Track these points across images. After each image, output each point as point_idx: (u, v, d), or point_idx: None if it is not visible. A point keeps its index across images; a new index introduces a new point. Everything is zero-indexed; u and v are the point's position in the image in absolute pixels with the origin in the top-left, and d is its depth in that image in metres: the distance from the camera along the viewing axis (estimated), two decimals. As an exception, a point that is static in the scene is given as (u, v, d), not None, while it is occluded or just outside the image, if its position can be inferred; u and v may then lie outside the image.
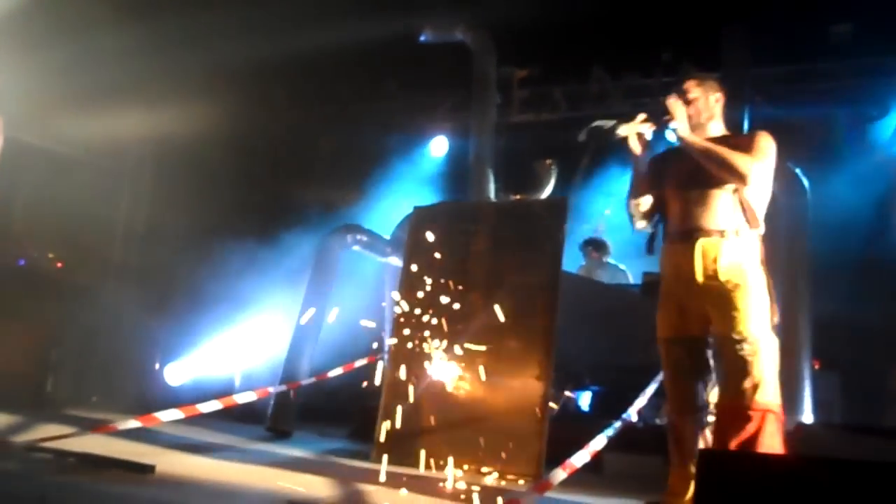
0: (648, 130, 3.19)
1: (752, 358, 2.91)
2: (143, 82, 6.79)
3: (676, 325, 3.13)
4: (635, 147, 3.20)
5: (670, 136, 3.12)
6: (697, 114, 3.18)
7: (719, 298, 3.01)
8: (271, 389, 5.13)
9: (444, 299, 4.52)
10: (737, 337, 2.93)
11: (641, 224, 3.33)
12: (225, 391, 5.60)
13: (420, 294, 4.62)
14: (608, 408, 4.82)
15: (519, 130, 7.57)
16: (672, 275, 3.16)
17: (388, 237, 6.32)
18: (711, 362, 3.11)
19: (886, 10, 5.99)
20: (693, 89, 3.21)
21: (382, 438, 4.41)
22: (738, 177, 3.00)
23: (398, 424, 4.38)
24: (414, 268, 4.77)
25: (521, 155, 7.20)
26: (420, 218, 5.07)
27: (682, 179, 3.16)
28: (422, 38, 6.70)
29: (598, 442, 3.52)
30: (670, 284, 3.17)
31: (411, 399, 4.43)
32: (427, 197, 7.54)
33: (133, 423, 3.69)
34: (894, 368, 5.95)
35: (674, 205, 3.20)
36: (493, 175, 6.66)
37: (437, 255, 4.69)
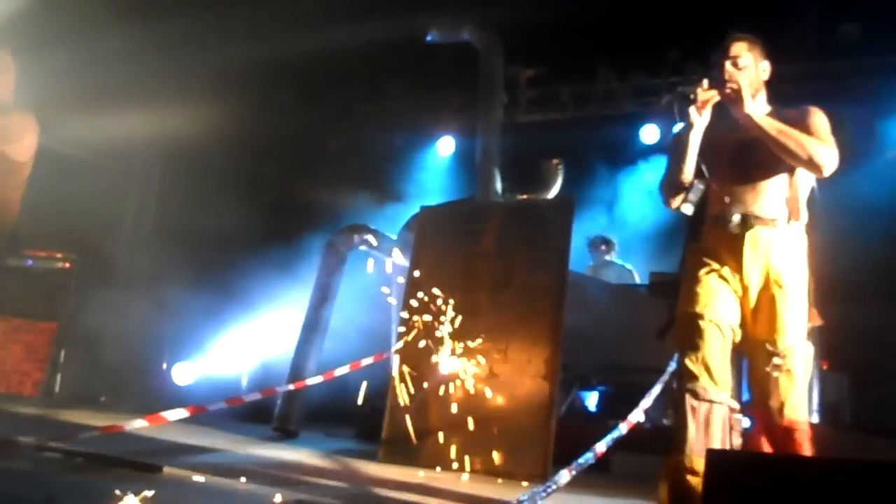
0: (713, 99, 2.73)
1: (779, 375, 2.64)
2: (150, 83, 6.81)
3: (715, 303, 2.74)
4: (700, 116, 2.73)
5: (737, 111, 2.71)
6: (746, 85, 2.72)
7: (761, 299, 2.72)
8: (278, 389, 5.13)
9: (451, 299, 4.52)
10: (770, 349, 2.66)
11: (688, 204, 2.84)
12: (232, 390, 5.62)
13: (427, 294, 4.61)
14: (615, 408, 4.82)
15: (526, 130, 7.57)
16: (713, 258, 2.79)
17: (394, 237, 6.32)
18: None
19: (893, 10, 5.97)
20: (743, 54, 2.77)
21: (389, 439, 4.41)
22: (815, 167, 2.68)
23: (405, 424, 4.37)
24: (421, 267, 4.76)
25: (527, 154, 7.19)
26: (427, 217, 5.07)
27: (733, 157, 2.79)
28: (428, 39, 6.70)
29: (605, 443, 3.50)
30: (714, 265, 2.78)
31: (418, 399, 4.43)
32: (434, 196, 7.54)
33: (140, 423, 3.70)
34: None
35: (718, 186, 2.81)
36: (499, 175, 6.65)
37: (444, 255, 4.69)
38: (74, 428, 3.83)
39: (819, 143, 2.67)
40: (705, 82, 2.72)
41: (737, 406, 2.72)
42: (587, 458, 3.29)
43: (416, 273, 4.77)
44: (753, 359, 2.74)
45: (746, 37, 2.81)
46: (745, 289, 2.73)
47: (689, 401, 2.67)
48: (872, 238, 6.23)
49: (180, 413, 3.86)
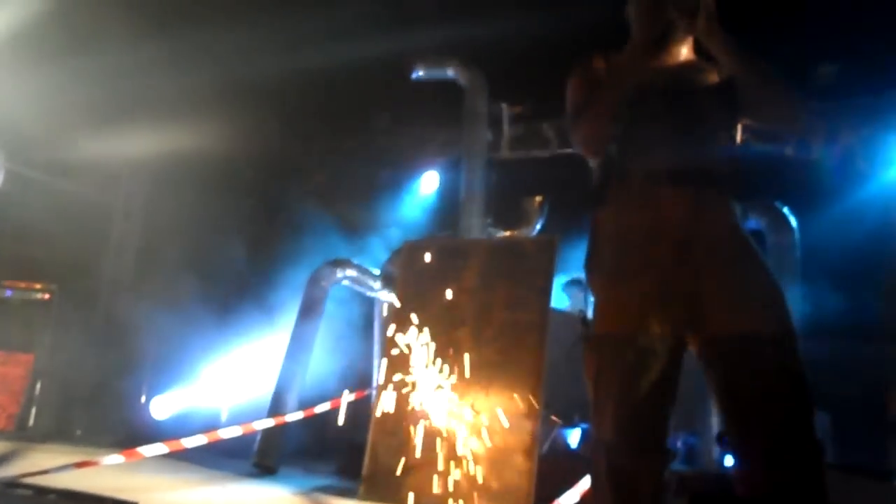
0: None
1: (784, 373, 1.89)
2: (133, 112, 6.79)
3: (646, 312, 1.99)
4: (655, 23, 2.10)
5: (691, 27, 2.10)
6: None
7: (729, 277, 1.98)
8: (256, 426, 5.07)
9: (434, 335, 4.51)
10: (757, 334, 1.91)
11: (604, 142, 2.16)
12: (212, 425, 5.55)
13: (409, 329, 4.60)
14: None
15: (509, 167, 7.62)
16: (648, 231, 2.04)
17: (377, 271, 6.31)
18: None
19: (871, 51, 6.10)
20: None
21: (370, 475, 4.36)
22: (791, 110, 2.12)
23: (386, 461, 4.33)
24: (403, 302, 4.76)
25: (511, 191, 7.24)
26: (410, 253, 5.07)
27: (671, 91, 2.13)
28: (414, 76, 6.77)
29: (588, 480, 3.48)
30: (643, 247, 2.04)
31: (399, 435, 4.39)
32: (418, 232, 7.57)
33: (117, 459, 3.64)
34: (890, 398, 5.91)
35: (649, 127, 2.10)
36: (483, 211, 6.68)
37: (427, 291, 4.69)
38: (48, 463, 3.76)
39: (795, 93, 2.12)
40: None
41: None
42: (570, 495, 3.27)
43: (399, 308, 4.76)
44: (726, 367, 1.96)
45: None
46: (702, 265, 2.00)
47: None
48: (853, 275, 6.30)
49: (158, 448, 3.81)
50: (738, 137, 2.20)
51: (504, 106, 7.62)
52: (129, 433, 6.15)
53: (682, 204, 2.02)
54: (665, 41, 2.15)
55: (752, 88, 2.08)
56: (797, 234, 5.58)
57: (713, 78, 2.18)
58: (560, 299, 6.55)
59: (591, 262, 2.19)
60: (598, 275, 2.16)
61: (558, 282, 6.11)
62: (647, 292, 2.00)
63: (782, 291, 2.03)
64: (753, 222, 5.66)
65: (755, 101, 2.10)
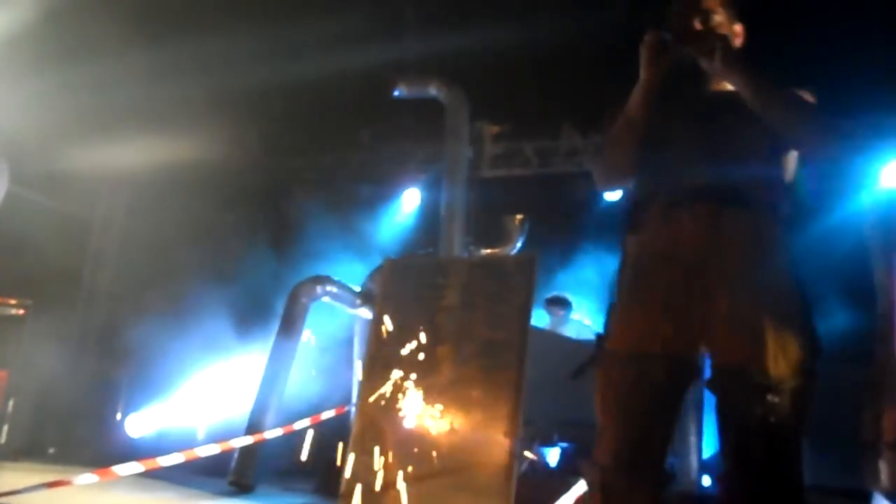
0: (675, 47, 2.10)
1: (773, 418, 1.84)
2: (112, 120, 6.73)
3: (652, 333, 1.96)
4: (657, 63, 2.09)
5: (710, 68, 2.07)
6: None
7: (740, 304, 1.89)
8: (233, 443, 5.03)
9: (413, 353, 4.50)
10: (757, 379, 1.84)
11: (620, 182, 2.25)
12: (188, 442, 5.49)
13: (389, 347, 4.59)
14: (576, 464, 4.79)
15: (490, 185, 7.67)
16: (663, 253, 2.01)
17: (358, 288, 6.30)
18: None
19: (843, 76, 6.23)
20: (718, 10, 2.16)
21: (347, 494, 4.33)
22: (821, 139, 2.06)
23: (364, 479, 4.30)
24: (383, 320, 4.75)
25: (492, 209, 7.28)
26: (390, 270, 5.07)
27: (699, 116, 2.11)
28: (395, 94, 6.80)
29: (566, 499, 3.49)
30: (657, 269, 2.01)
31: (378, 454, 4.37)
32: (398, 249, 7.58)
33: (90, 478, 3.58)
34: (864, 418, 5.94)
35: (675, 151, 2.09)
36: (464, 229, 6.71)
37: (407, 309, 4.69)
38: (19, 482, 3.69)
39: (818, 114, 2.09)
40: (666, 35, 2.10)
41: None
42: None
43: (379, 326, 4.75)
44: (728, 397, 1.93)
45: None
46: (713, 290, 1.94)
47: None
48: (829, 298, 6.37)
49: (133, 468, 3.75)
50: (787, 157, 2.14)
51: (485, 125, 7.67)
52: (104, 451, 6.06)
53: (697, 227, 1.99)
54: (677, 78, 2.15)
55: (776, 121, 2.03)
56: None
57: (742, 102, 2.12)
58: (540, 317, 6.57)
59: (616, 285, 2.17)
60: (617, 297, 2.13)
61: (539, 299, 6.14)
62: (654, 313, 1.97)
63: (803, 322, 1.94)
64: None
65: (783, 133, 2.05)
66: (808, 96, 2.14)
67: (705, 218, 1.98)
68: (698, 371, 2.00)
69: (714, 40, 2.06)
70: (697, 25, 2.13)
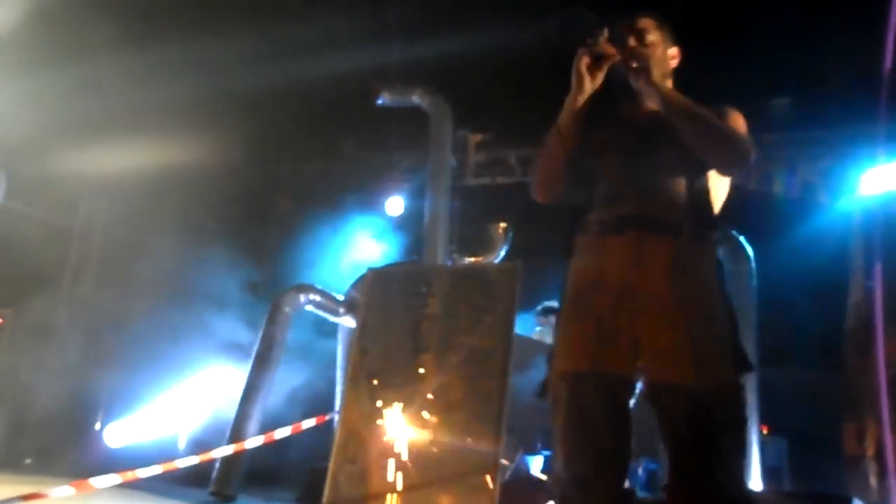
0: (612, 60, 2.15)
1: (709, 425, 1.94)
2: (92, 127, 6.67)
3: (593, 352, 2.05)
4: (593, 77, 2.16)
5: (639, 83, 2.15)
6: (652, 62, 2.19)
7: (665, 324, 2.02)
8: (214, 454, 4.99)
9: (397, 361, 4.49)
10: (688, 393, 1.95)
11: (557, 193, 2.28)
12: (169, 451, 5.43)
13: (372, 356, 4.57)
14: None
15: (474, 193, 7.68)
16: (593, 278, 2.12)
17: (341, 297, 6.28)
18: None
19: (820, 84, 6.31)
20: (652, 31, 2.25)
21: (331, 502, 4.30)
22: (726, 155, 2.12)
23: (347, 488, 4.28)
24: (367, 329, 4.73)
25: (475, 217, 7.29)
26: (373, 279, 5.06)
27: (629, 143, 2.18)
28: (379, 102, 6.80)
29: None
30: (589, 292, 2.11)
31: (361, 462, 4.34)
32: (382, 256, 7.56)
33: (66, 491, 3.53)
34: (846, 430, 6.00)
35: (611, 182, 2.17)
36: (448, 237, 6.71)
37: (390, 317, 4.68)
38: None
39: (734, 130, 2.16)
40: (606, 32, 2.14)
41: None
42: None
43: (362, 334, 4.74)
44: (667, 408, 2.02)
45: (654, 14, 2.31)
46: (639, 312, 2.05)
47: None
48: (810, 304, 6.43)
49: (111, 479, 3.71)
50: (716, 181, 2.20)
51: (469, 133, 7.69)
52: (83, 462, 5.99)
53: (624, 251, 2.09)
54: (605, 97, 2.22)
55: (691, 139, 2.10)
56: (753, 263, 5.70)
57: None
58: (530, 326, 6.58)
59: (559, 308, 2.26)
60: (559, 318, 2.23)
61: (523, 308, 6.13)
62: (589, 334, 2.07)
63: (730, 339, 2.06)
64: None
65: (697, 151, 2.11)
66: (734, 114, 2.21)
67: (630, 245, 2.09)
68: (632, 387, 2.10)
69: (645, 60, 2.14)
70: (632, 43, 2.21)
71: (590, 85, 2.17)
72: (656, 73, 2.16)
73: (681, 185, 2.13)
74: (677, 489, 1.99)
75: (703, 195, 2.16)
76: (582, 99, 2.18)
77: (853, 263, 5.58)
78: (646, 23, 2.26)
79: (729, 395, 2.01)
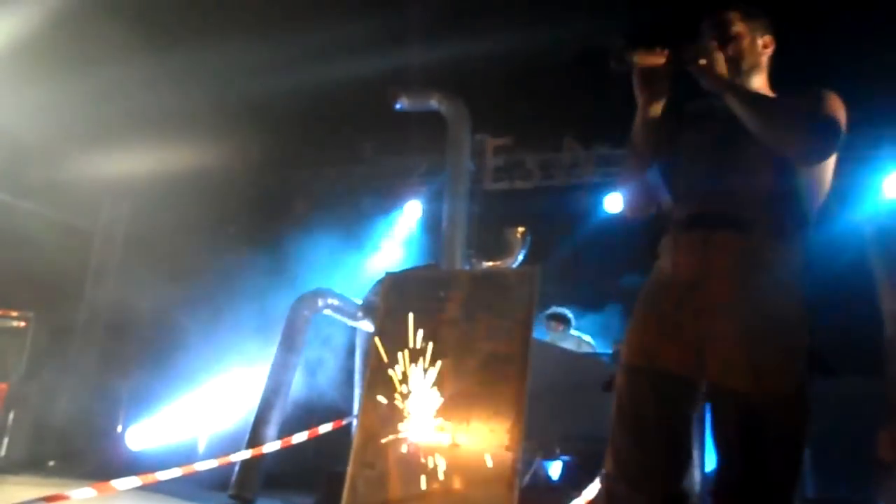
0: (666, 67, 2.10)
1: (759, 432, 1.87)
2: (114, 131, 6.73)
3: (650, 347, 2.03)
4: (649, 88, 2.12)
5: (704, 82, 2.06)
6: (738, 56, 2.13)
7: (726, 325, 1.94)
8: (232, 458, 5.00)
9: (414, 366, 4.48)
10: (749, 401, 1.87)
11: (641, 206, 2.25)
12: (189, 455, 5.46)
13: (390, 360, 4.57)
14: (578, 478, 4.77)
15: (492, 197, 7.67)
16: (665, 276, 2.10)
17: (359, 301, 6.29)
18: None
19: (844, 90, 6.24)
20: (736, 22, 2.17)
21: (348, 509, 4.30)
22: (806, 143, 1.97)
23: (365, 493, 4.28)
24: (384, 333, 4.73)
25: (494, 222, 7.28)
26: (391, 284, 5.06)
27: (708, 145, 2.13)
28: (398, 107, 6.81)
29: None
30: (658, 290, 2.11)
31: (379, 467, 4.34)
32: (400, 260, 7.57)
33: (88, 493, 3.56)
34: (882, 437, 5.90)
35: (687, 181, 2.14)
36: (465, 241, 6.70)
37: (408, 322, 4.68)
38: (16, 497, 3.67)
39: (806, 112, 2.00)
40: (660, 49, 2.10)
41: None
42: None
43: (380, 339, 4.74)
44: (729, 419, 1.94)
45: (743, 6, 2.22)
46: (713, 317, 1.97)
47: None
48: (831, 309, 6.34)
49: (132, 482, 3.73)
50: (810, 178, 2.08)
51: (487, 137, 7.68)
52: (105, 464, 6.04)
53: (693, 249, 2.04)
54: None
55: (758, 131, 1.99)
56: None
57: None
58: (539, 333, 6.55)
59: (636, 304, 2.24)
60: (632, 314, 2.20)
61: (540, 313, 6.11)
62: (650, 330, 2.06)
63: (799, 349, 1.96)
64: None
65: (767, 142, 2.00)
66: (827, 95, 2.08)
67: (698, 242, 2.04)
68: (692, 391, 2.02)
69: (697, 54, 2.07)
70: (712, 39, 2.14)
71: (650, 98, 2.14)
72: (733, 67, 2.09)
73: (761, 182, 2.03)
74: (723, 495, 1.94)
75: (789, 192, 2.04)
76: (648, 114, 2.14)
77: (876, 271, 5.50)
78: (730, 15, 2.19)
79: (788, 406, 1.91)
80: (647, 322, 2.07)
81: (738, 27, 2.17)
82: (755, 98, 2.07)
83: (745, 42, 2.16)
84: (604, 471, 2.05)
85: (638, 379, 2.02)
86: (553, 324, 6.72)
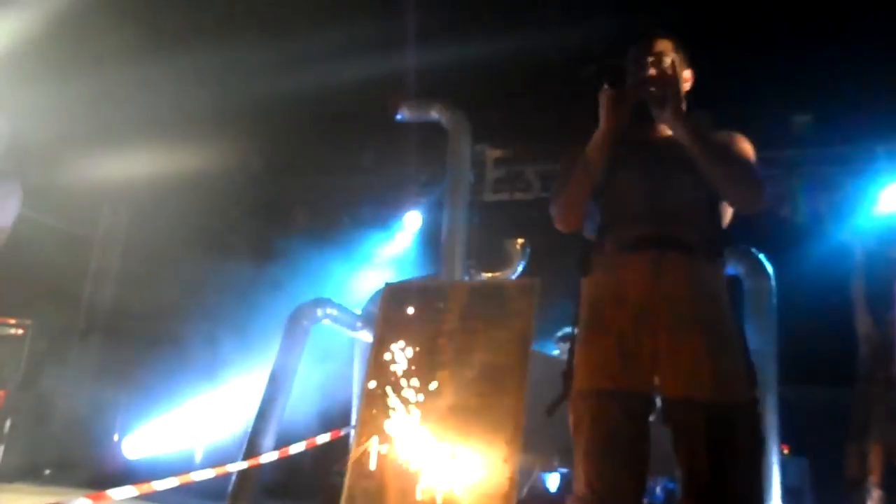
0: (633, 98, 2.20)
1: (726, 440, 1.96)
2: (112, 136, 6.72)
3: (615, 371, 2.07)
4: (618, 112, 2.17)
5: (661, 113, 2.19)
6: (672, 87, 2.21)
7: (684, 340, 2.04)
8: (230, 468, 4.99)
9: (413, 377, 4.48)
10: (706, 402, 1.98)
11: (576, 222, 2.30)
12: (186, 465, 5.44)
13: (389, 371, 4.57)
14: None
15: (492, 209, 7.67)
16: (611, 296, 2.15)
17: (359, 311, 6.28)
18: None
19: (841, 103, 6.27)
20: (669, 53, 2.27)
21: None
22: (746, 193, 2.18)
23: (362, 504, 4.26)
24: (383, 344, 4.73)
25: (493, 233, 7.28)
26: (391, 295, 5.05)
27: (647, 164, 2.23)
28: (398, 118, 6.82)
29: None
30: (607, 311, 2.15)
31: (377, 479, 4.33)
32: (399, 270, 7.56)
33: (83, 503, 3.54)
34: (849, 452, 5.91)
35: (624, 199, 2.22)
36: (465, 252, 6.70)
37: (407, 333, 4.67)
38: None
39: (750, 166, 2.19)
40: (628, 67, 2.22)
41: None
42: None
43: (378, 350, 4.73)
44: (683, 426, 2.03)
45: (671, 36, 2.33)
46: (657, 329, 2.07)
47: None
48: (833, 321, 6.34)
49: (128, 491, 3.72)
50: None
51: (487, 148, 7.69)
52: (101, 473, 6.01)
53: (643, 269, 2.12)
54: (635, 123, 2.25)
55: (715, 178, 2.14)
56: (773, 280, 5.64)
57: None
58: (549, 351, 6.54)
59: (575, 325, 2.30)
60: (577, 336, 2.26)
61: (549, 331, 6.08)
62: (611, 353, 2.10)
63: (746, 359, 2.09)
64: (731, 269, 5.72)
65: (719, 189, 2.17)
66: (745, 144, 2.26)
67: (649, 264, 2.13)
68: (651, 404, 2.11)
69: (667, 88, 2.18)
70: (651, 70, 2.24)
71: (616, 123, 2.19)
72: (675, 101, 2.19)
73: (697, 206, 2.19)
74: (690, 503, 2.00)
75: (717, 216, 2.23)
76: (610, 136, 2.20)
77: (853, 292, 5.55)
78: (664, 45, 2.29)
79: (746, 412, 2.03)
80: (604, 344, 2.12)
81: (671, 58, 2.26)
82: (716, 147, 2.17)
83: (675, 75, 2.23)
84: (574, 496, 2.11)
85: (607, 403, 2.08)
86: (564, 346, 6.71)
